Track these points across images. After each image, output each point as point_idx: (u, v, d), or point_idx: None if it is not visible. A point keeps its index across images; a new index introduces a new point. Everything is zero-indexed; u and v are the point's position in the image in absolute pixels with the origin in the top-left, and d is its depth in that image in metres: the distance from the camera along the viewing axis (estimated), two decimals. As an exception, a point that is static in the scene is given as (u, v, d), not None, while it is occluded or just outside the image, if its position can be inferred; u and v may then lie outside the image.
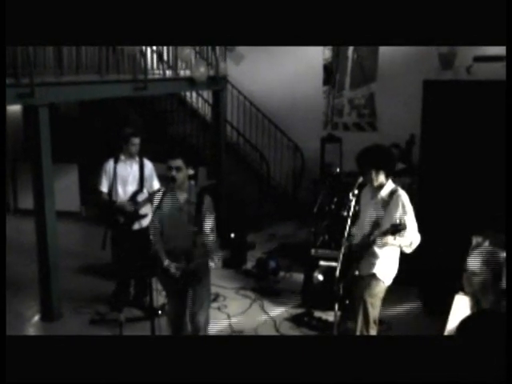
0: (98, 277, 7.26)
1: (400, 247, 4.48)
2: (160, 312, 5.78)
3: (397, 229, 4.22)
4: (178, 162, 4.52)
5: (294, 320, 6.10)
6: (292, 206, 9.86)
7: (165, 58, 8.23)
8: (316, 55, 9.76)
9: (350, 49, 9.64)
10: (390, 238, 4.33)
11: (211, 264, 4.60)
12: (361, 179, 4.60)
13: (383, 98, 9.57)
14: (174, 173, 4.50)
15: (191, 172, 4.65)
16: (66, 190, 9.66)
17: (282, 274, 7.37)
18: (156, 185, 6.20)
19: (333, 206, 7.09)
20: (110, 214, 6.10)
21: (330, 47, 9.74)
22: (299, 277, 6.92)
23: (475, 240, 4.63)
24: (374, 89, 9.65)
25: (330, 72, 9.88)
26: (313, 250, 6.43)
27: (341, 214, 6.45)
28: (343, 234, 4.60)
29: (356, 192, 4.58)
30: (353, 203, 4.65)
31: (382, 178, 4.54)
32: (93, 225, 9.19)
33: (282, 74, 10.00)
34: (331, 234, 6.76)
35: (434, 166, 8.34)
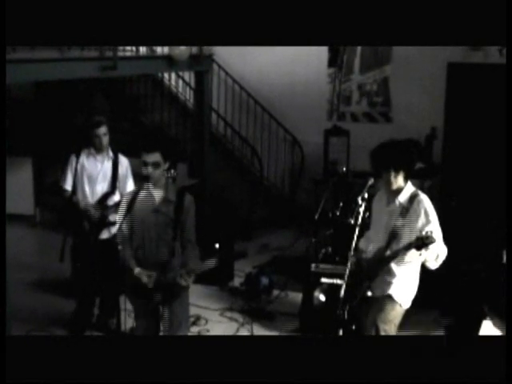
0: (55, 294, 7.23)
1: (424, 263, 4.47)
2: (129, 337, 5.77)
3: (424, 243, 4.21)
4: (156, 157, 4.49)
5: (290, 348, 6.10)
6: (289, 212, 9.87)
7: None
8: (320, 31, 9.78)
9: (361, 24, 9.68)
10: (414, 254, 4.34)
11: (187, 280, 4.56)
12: (371, 181, 4.61)
13: (399, 84, 9.59)
14: (149, 170, 4.49)
15: (172, 172, 4.65)
16: (17, 189, 9.61)
17: (276, 292, 7.37)
18: (130, 186, 6.17)
19: (338, 212, 7.10)
20: (73, 219, 6.07)
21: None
22: (297, 296, 6.91)
23: (506, 255, 4.66)
24: (389, 72, 9.67)
25: (337, 52, 9.89)
26: (313, 265, 6.43)
27: (347, 222, 6.48)
28: (350, 246, 4.61)
29: (366, 196, 4.59)
30: (362, 209, 4.66)
31: (400, 180, 4.55)
32: (49, 231, 9.16)
33: (279, 53, 9.96)
34: (336, 245, 6.78)
35: (459, 165, 8.40)
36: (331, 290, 6.13)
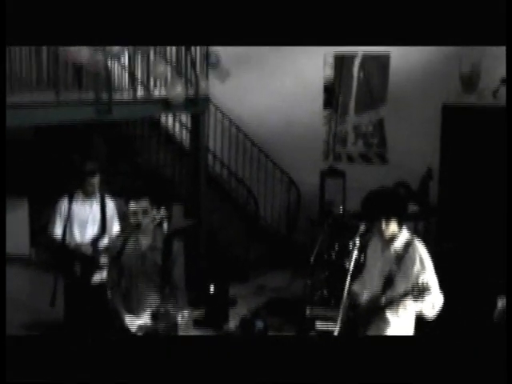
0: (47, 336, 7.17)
1: (420, 312, 4.45)
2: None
3: (420, 293, 4.20)
4: (144, 204, 4.50)
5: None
6: (286, 252, 9.83)
7: (137, 75, 8.28)
8: (315, 73, 9.87)
9: (356, 66, 9.77)
10: (409, 303, 4.34)
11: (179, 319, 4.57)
12: (363, 226, 4.60)
13: (395, 125, 9.64)
14: (139, 217, 4.49)
15: (161, 214, 4.65)
16: (13, 229, 9.58)
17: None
18: (116, 228, 6.20)
19: (333, 255, 7.09)
20: (65, 263, 6.07)
21: (332, 64, 9.85)
22: (292, 340, 6.86)
23: (501, 302, 4.62)
24: (384, 114, 9.73)
25: (332, 93, 9.97)
26: (308, 309, 6.40)
27: (343, 265, 6.46)
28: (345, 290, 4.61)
29: (358, 242, 4.58)
30: (355, 254, 4.65)
31: (393, 227, 4.53)
32: (45, 272, 9.11)
33: (275, 95, 10.09)
34: (331, 288, 6.75)
35: (455, 207, 8.39)
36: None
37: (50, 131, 9.76)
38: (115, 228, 6.22)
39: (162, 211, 4.65)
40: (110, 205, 6.25)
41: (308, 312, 6.39)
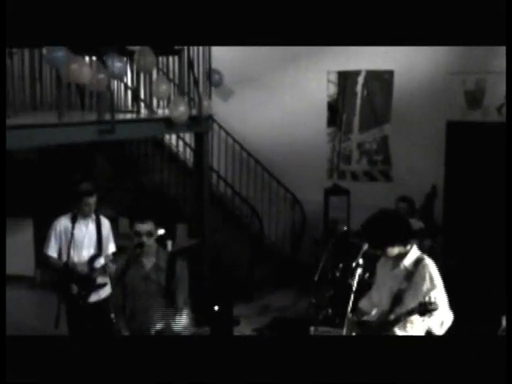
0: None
1: (430, 330, 4.44)
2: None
3: (427, 309, 4.19)
4: (149, 226, 4.51)
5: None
6: (290, 271, 9.81)
7: (140, 94, 8.33)
8: (319, 91, 9.90)
9: (359, 84, 9.78)
10: (417, 319, 4.32)
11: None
12: (366, 246, 4.59)
13: (399, 142, 9.63)
14: (144, 239, 4.50)
15: (162, 232, 4.66)
16: (18, 250, 9.61)
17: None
18: (111, 248, 6.23)
19: (338, 273, 7.06)
20: (63, 283, 6.08)
21: (336, 82, 9.88)
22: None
23: (505, 321, 4.60)
24: (388, 131, 9.72)
25: (336, 111, 9.98)
26: (312, 328, 6.37)
27: (348, 283, 6.43)
28: (350, 308, 4.60)
29: (361, 261, 4.58)
30: (358, 272, 4.64)
31: (399, 248, 4.50)
32: (50, 292, 9.11)
33: (279, 113, 10.12)
34: (335, 307, 6.73)
35: (460, 224, 8.38)
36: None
37: (55, 151, 9.82)
38: (111, 247, 6.25)
39: (161, 230, 4.67)
40: (106, 225, 6.28)
41: (312, 331, 6.35)
